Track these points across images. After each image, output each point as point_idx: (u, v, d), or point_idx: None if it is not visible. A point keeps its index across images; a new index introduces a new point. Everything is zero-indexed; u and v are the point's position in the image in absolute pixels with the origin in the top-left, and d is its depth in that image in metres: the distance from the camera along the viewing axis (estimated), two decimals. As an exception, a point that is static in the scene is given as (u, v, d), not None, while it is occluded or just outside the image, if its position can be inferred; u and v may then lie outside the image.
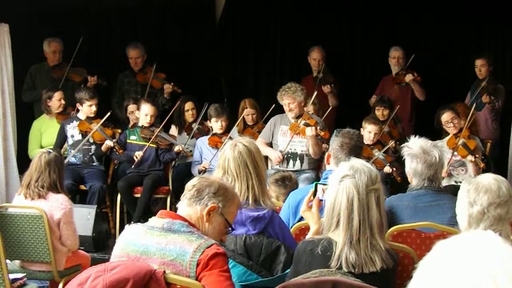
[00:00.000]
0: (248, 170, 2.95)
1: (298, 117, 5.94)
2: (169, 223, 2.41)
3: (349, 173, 2.40)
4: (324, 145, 5.88)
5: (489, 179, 2.49)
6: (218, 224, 2.51)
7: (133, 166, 6.08)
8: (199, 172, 6.01)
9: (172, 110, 6.47)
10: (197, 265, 2.29)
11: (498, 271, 1.09)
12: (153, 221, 2.46)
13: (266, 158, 6.00)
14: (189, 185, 2.54)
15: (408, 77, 6.94)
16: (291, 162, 5.99)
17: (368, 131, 5.95)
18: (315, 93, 6.24)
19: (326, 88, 6.97)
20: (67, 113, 6.40)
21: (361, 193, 2.37)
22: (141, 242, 2.38)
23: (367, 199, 2.37)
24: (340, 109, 7.23)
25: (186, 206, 2.49)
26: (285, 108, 5.95)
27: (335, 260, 2.32)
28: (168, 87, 6.91)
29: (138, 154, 6.07)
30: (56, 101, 6.34)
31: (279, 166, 5.96)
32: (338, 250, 2.33)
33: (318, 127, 5.78)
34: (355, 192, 2.36)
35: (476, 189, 2.42)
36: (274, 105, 6.28)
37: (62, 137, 6.18)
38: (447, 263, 1.16)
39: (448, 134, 5.96)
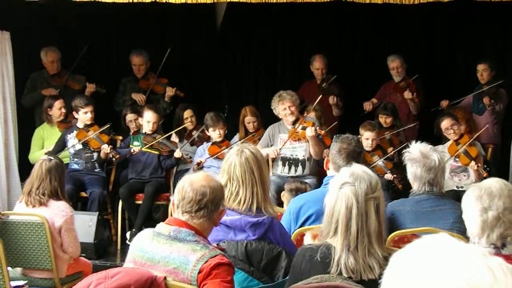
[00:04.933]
0: (253, 176, 2.95)
1: (294, 122, 5.97)
2: (176, 231, 2.41)
3: (349, 180, 2.37)
4: (326, 150, 5.87)
5: (499, 184, 2.49)
6: (219, 217, 2.57)
7: (130, 156, 6.14)
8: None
9: (181, 128, 6.46)
10: (199, 272, 2.30)
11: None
12: (161, 227, 2.47)
13: (268, 164, 5.99)
14: (185, 195, 2.48)
15: (407, 95, 6.80)
16: (292, 167, 5.98)
17: (366, 138, 5.92)
18: (319, 98, 6.24)
19: (332, 100, 6.89)
20: (68, 121, 6.37)
21: (360, 201, 2.33)
22: (147, 248, 2.41)
23: (366, 207, 2.33)
24: (343, 117, 7.18)
25: (191, 219, 2.47)
26: (286, 112, 5.95)
27: (334, 266, 2.31)
28: (170, 90, 6.89)
29: (137, 148, 6.10)
30: (56, 109, 6.33)
31: (281, 172, 5.96)
32: (337, 256, 2.32)
33: (317, 127, 5.80)
34: (354, 200, 2.33)
35: (489, 194, 2.42)
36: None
37: (60, 146, 6.15)
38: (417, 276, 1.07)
39: (448, 139, 5.95)
